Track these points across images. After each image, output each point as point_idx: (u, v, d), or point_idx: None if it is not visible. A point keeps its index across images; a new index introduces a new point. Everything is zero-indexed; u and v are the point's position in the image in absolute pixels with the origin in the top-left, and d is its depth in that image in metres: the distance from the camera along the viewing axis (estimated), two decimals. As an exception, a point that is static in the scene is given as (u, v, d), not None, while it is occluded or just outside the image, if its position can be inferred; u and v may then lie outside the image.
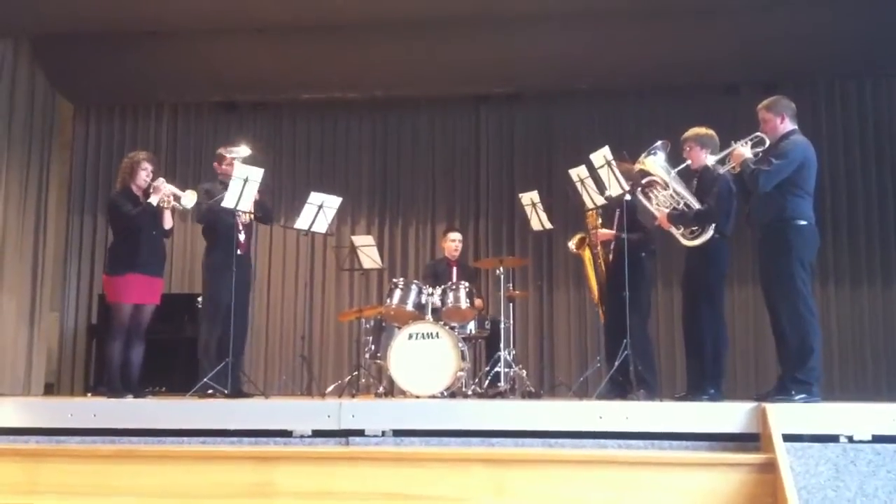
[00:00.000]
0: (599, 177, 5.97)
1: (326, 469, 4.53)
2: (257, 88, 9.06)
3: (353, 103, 9.42)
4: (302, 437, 4.82)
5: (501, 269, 7.03)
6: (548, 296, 9.07)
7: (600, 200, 6.10)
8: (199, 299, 6.94)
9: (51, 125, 9.10)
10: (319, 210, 6.56)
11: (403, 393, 6.34)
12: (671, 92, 8.90)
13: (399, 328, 6.50)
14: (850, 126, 8.88)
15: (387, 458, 4.57)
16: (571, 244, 6.57)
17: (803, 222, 5.17)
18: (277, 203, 9.28)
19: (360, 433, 4.79)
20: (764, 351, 8.10)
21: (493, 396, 6.63)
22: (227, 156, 6.33)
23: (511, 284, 7.27)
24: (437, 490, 4.41)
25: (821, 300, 8.00)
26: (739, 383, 8.10)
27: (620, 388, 5.89)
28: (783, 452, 4.24)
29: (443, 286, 6.76)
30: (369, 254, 7.37)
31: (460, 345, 6.33)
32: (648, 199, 5.86)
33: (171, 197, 6.04)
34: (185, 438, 4.89)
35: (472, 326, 6.99)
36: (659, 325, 8.58)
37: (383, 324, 6.97)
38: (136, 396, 5.83)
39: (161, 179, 6.09)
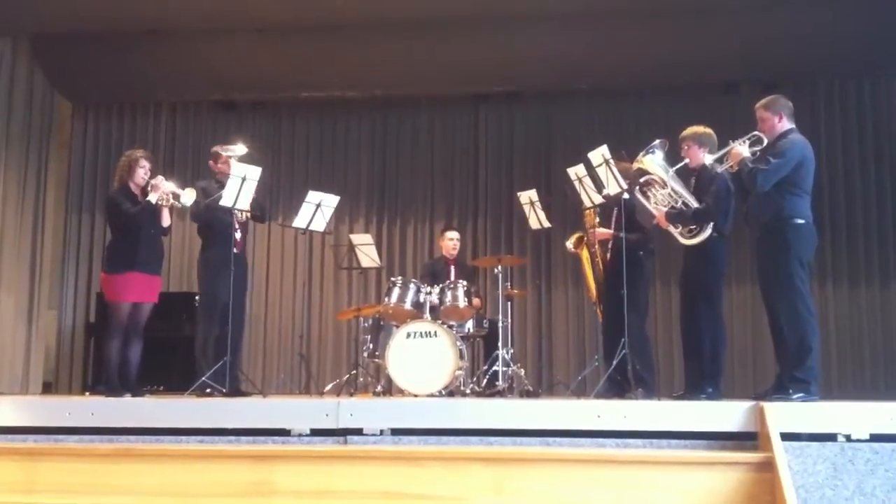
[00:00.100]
0: (597, 175, 5.97)
1: (325, 468, 4.53)
2: (256, 87, 9.05)
3: (352, 102, 9.41)
4: (300, 435, 4.82)
5: (500, 267, 7.03)
6: (546, 295, 9.07)
7: (598, 199, 6.09)
8: (197, 298, 6.94)
9: (49, 124, 9.09)
10: (318, 209, 6.55)
11: (402, 392, 6.35)
12: (671, 91, 8.89)
13: (397, 327, 6.51)
14: (848, 125, 8.87)
15: (385, 456, 4.57)
16: (569, 243, 6.57)
17: (801, 221, 5.18)
18: (276, 202, 9.29)
19: (359, 432, 4.79)
20: (762, 350, 8.10)
21: (492, 395, 6.63)
22: (224, 154, 6.32)
23: (509, 283, 7.27)
24: (436, 489, 4.41)
25: (819, 299, 8.00)
26: (737, 382, 8.09)
27: (619, 387, 5.89)
28: (781, 451, 4.25)
29: (441, 285, 6.77)
30: (368, 252, 7.36)
31: (458, 343, 6.34)
32: (647, 197, 5.85)
33: (170, 195, 6.03)
34: (184, 437, 4.89)
35: (470, 325, 7.00)
36: (657, 324, 8.57)
37: (381, 322, 6.97)
38: (134, 395, 5.82)
39: (160, 177, 6.08)
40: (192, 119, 9.72)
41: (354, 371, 6.97)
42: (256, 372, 8.89)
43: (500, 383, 6.71)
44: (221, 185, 6.28)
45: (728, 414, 4.64)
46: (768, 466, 4.23)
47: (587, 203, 6.18)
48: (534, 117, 9.40)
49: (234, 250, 6.15)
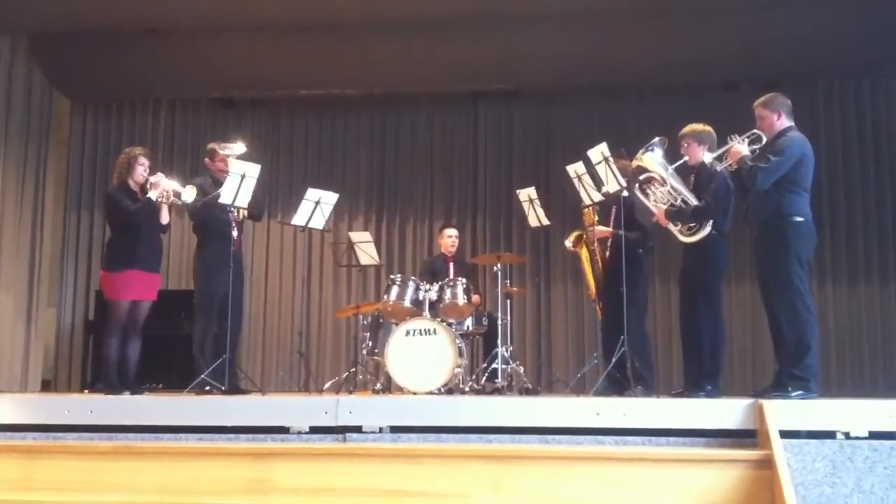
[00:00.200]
0: (597, 173, 5.97)
1: (324, 465, 4.53)
2: (256, 85, 9.04)
3: (351, 100, 9.41)
4: (299, 433, 4.82)
5: (499, 265, 7.03)
6: (545, 292, 9.07)
7: (597, 197, 6.10)
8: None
9: (48, 122, 9.09)
10: (317, 206, 6.56)
11: (401, 389, 6.35)
12: (670, 90, 8.89)
13: (396, 324, 6.51)
14: (848, 124, 8.87)
15: (384, 454, 4.57)
16: (568, 242, 6.58)
17: (800, 219, 5.18)
18: (275, 199, 9.29)
19: (358, 430, 4.79)
20: (761, 347, 8.10)
21: (491, 393, 6.63)
22: (221, 152, 6.30)
23: (508, 281, 7.27)
24: (435, 487, 4.41)
25: (818, 297, 8.01)
26: (736, 380, 8.10)
27: (618, 385, 5.90)
28: (780, 449, 4.25)
29: (440, 282, 6.77)
30: (367, 250, 7.37)
31: (458, 341, 6.34)
32: (646, 195, 5.85)
33: (170, 192, 6.02)
34: (182, 435, 4.90)
35: (469, 323, 7.00)
36: (656, 322, 8.58)
37: (381, 320, 6.97)
38: (133, 393, 5.82)
39: (160, 174, 6.07)
40: (192, 117, 9.72)
41: (354, 369, 6.98)
42: (255, 369, 8.89)
43: (500, 381, 6.71)
44: (217, 183, 6.28)
45: (727, 412, 4.64)
46: (767, 464, 4.23)
47: (586, 201, 6.19)
48: (533, 115, 9.40)
49: (232, 248, 6.14)
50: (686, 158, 5.76)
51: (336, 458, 4.57)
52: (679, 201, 5.69)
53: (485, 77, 8.82)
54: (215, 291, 6.19)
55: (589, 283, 6.51)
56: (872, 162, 8.77)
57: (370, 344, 6.95)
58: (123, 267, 5.94)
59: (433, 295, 6.65)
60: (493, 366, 6.76)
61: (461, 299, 6.65)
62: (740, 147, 5.30)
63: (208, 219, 6.26)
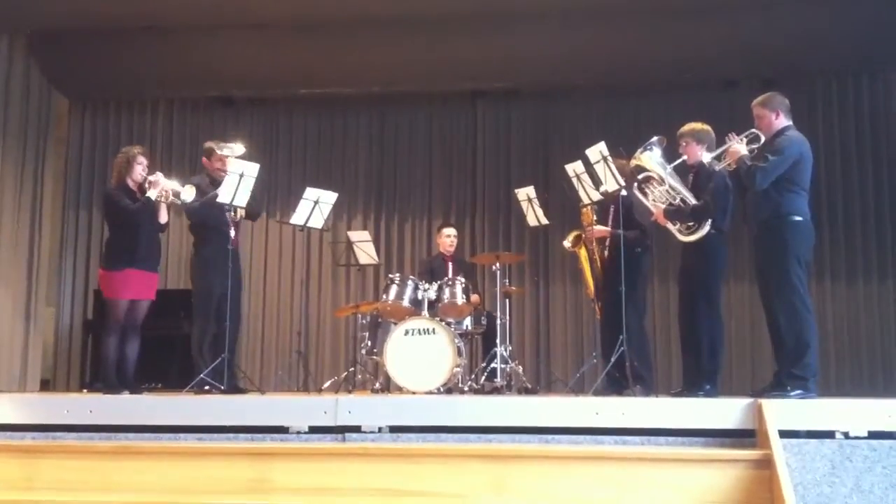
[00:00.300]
0: (595, 172, 5.97)
1: (323, 465, 4.53)
2: (254, 84, 9.03)
3: (350, 99, 9.39)
4: (298, 433, 4.82)
5: (498, 264, 7.02)
6: (544, 291, 9.06)
7: (596, 196, 6.10)
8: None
9: (46, 120, 9.07)
10: (315, 206, 6.56)
11: (400, 389, 6.35)
12: (669, 88, 8.89)
13: (395, 324, 6.51)
14: (847, 123, 8.86)
15: (383, 454, 4.57)
16: (567, 242, 6.58)
17: (799, 218, 5.18)
18: (273, 198, 9.29)
19: (357, 429, 4.79)
20: (760, 347, 8.11)
21: (490, 392, 6.63)
22: (219, 152, 6.29)
23: (507, 280, 7.27)
24: (434, 486, 4.41)
25: (817, 296, 8.01)
26: (735, 379, 8.11)
27: (617, 385, 5.90)
28: (779, 448, 4.25)
29: (439, 282, 6.77)
30: (366, 249, 7.37)
31: (456, 341, 6.34)
32: (645, 194, 5.85)
33: (169, 192, 6.02)
34: (182, 435, 4.90)
35: (468, 322, 7.01)
36: (655, 321, 8.57)
37: (379, 320, 6.97)
38: (132, 393, 5.82)
39: (159, 174, 6.07)
40: (190, 115, 9.70)
41: (353, 368, 6.98)
42: (255, 369, 8.89)
43: (499, 380, 6.70)
44: (214, 182, 6.28)
45: (726, 411, 4.64)
46: (766, 464, 4.23)
47: (585, 200, 6.19)
48: (532, 114, 9.39)
49: (230, 247, 6.14)
50: (685, 158, 5.76)
51: (335, 458, 4.57)
52: (678, 200, 5.69)
53: (484, 76, 8.81)
54: (213, 291, 6.20)
55: (588, 282, 6.51)
56: (871, 160, 8.76)
57: (369, 343, 6.95)
58: (122, 266, 5.94)
59: (432, 294, 6.65)
60: (493, 365, 6.76)
61: (460, 299, 6.65)
62: (739, 146, 5.31)
63: (206, 218, 6.25)
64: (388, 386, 6.84)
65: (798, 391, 4.96)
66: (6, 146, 8.41)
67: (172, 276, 9.06)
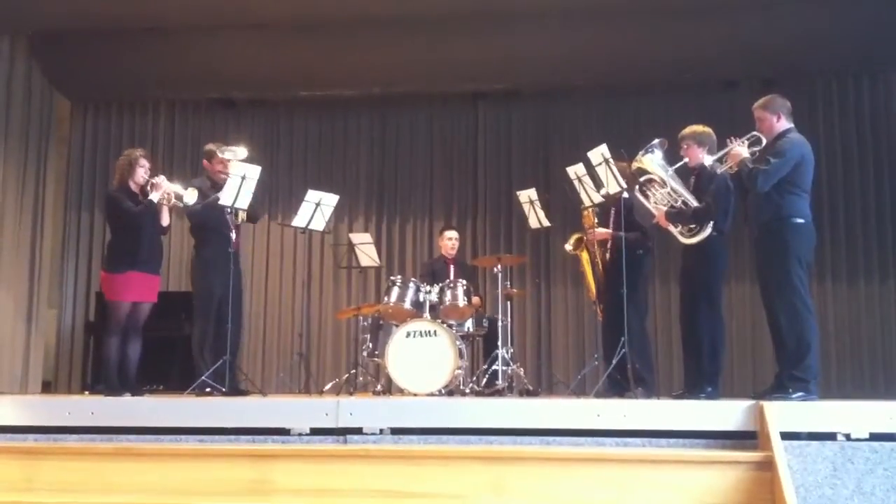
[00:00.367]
0: (597, 175, 5.97)
1: (324, 467, 4.54)
2: (255, 85, 9.03)
3: (351, 100, 9.39)
4: (300, 435, 4.83)
5: (499, 266, 7.02)
6: (546, 294, 9.06)
7: (598, 198, 6.10)
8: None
9: (48, 122, 9.07)
10: (317, 208, 6.56)
11: (401, 391, 6.35)
12: (670, 89, 8.89)
13: (397, 326, 6.51)
14: (847, 124, 8.86)
15: (385, 456, 4.58)
16: (569, 245, 6.58)
17: (800, 220, 5.18)
18: (275, 201, 9.29)
19: (358, 431, 4.80)
20: (761, 349, 8.10)
21: (491, 394, 6.63)
22: (221, 155, 6.28)
23: (509, 282, 7.27)
24: (435, 488, 4.41)
25: (818, 298, 8.00)
26: (737, 381, 8.10)
27: (618, 386, 5.89)
28: (781, 450, 4.26)
29: (441, 284, 6.77)
30: (367, 252, 7.37)
31: (458, 343, 6.34)
32: (646, 197, 5.85)
33: (171, 194, 6.03)
34: (183, 436, 4.90)
35: (469, 324, 7.00)
36: (657, 323, 8.57)
37: (381, 322, 6.97)
38: (133, 394, 5.82)
39: (161, 176, 6.07)
40: (191, 117, 9.71)
41: (354, 370, 6.98)
42: (256, 371, 8.88)
43: (500, 382, 6.71)
44: (215, 185, 6.29)
45: (727, 413, 4.64)
46: (768, 465, 4.24)
47: (587, 202, 6.19)
48: (533, 115, 9.39)
49: (230, 249, 6.15)
50: (686, 160, 5.76)
51: (336, 460, 4.57)
52: (679, 203, 5.69)
53: (484, 77, 8.81)
54: (214, 293, 6.20)
55: (589, 285, 6.51)
56: (872, 161, 8.75)
57: (370, 345, 6.95)
58: (124, 268, 5.95)
59: (433, 296, 6.65)
60: (494, 367, 6.76)
61: (461, 301, 6.65)
62: (740, 149, 5.31)
63: (207, 220, 6.25)
64: (390, 388, 6.84)
65: (799, 393, 4.96)
66: (8, 147, 8.42)
67: (174, 279, 9.06)
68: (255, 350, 9.13)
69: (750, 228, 5.45)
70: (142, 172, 6.08)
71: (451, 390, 6.33)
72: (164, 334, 7.64)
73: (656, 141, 5.73)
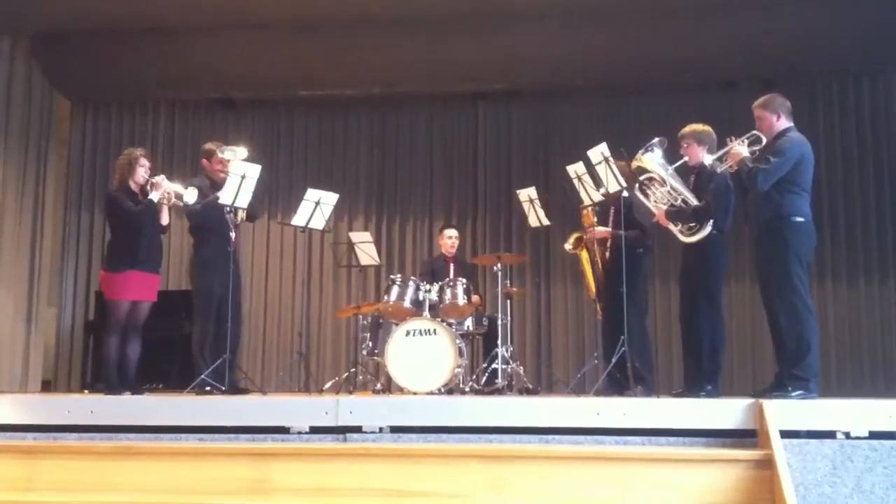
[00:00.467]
0: (597, 173, 5.97)
1: (324, 465, 4.54)
2: (255, 85, 9.03)
3: (351, 100, 9.40)
4: (299, 433, 4.83)
5: (499, 265, 7.02)
6: (545, 292, 9.06)
7: (597, 197, 6.11)
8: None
9: (48, 121, 9.08)
10: (317, 206, 6.56)
11: (401, 389, 6.35)
12: (670, 89, 8.90)
13: (396, 325, 6.51)
14: (847, 123, 8.86)
15: (384, 454, 4.57)
16: (568, 245, 6.58)
17: (800, 219, 5.18)
18: (275, 199, 9.30)
19: (358, 430, 4.79)
20: (761, 347, 8.10)
21: (491, 393, 6.63)
22: (221, 155, 6.28)
23: (509, 281, 7.27)
24: (435, 486, 4.41)
25: (818, 297, 7.99)
26: (736, 380, 8.10)
27: (618, 385, 5.90)
28: (780, 449, 4.25)
29: (440, 283, 6.77)
30: (367, 250, 7.37)
31: (458, 341, 6.34)
32: (646, 195, 5.85)
33: (171, 194, 6.03)
34: (183, 435, 4.90)
35: (469, 323, 7.00)
36: (656, 321, 8.57)
37: (381, 320, 6.97)
38: (133, 393, 5.82)
39: (161, 176, 6.07)
40: (191, 117, 9.71)
41: (354, 369, 6.98)
42: (256, 370, 8.89)
43: (500, 381, 6.70)
44: (214, 184, 6.29)
45: (727, 411, 4.64)
46: (767, 464, 4.23)
47: (587, 201, 6.19)
48: (532, 115, 9.40)
49: (230, 249, 6.15)
50: (686, 159, 5.76)
51: (336, 459, 4.57)
52: (679, 201, 5.70)
53: (484, 77, 8.82)
54: (213, 292, 6.20)
55: (589, 284, 6.51)
56: (872, 161, 8.76)
57: (370, 344, 6.95)
58: (124, 268, 5.95)
59: (433, 295, 6.65)
60: (494, 366, 6.76)
61: (461, 299, 6.65)
62: (740, 148, 5.31)
63: (206, 220, 6.25)
64: (390, 386, 6.84)
65: (799, 392, 4.96)
66: (8, 147, 8.43)
67: (174, 278, 9.07)
68: (254, 349, 9.13)
69: (750, 227, 5.45)
70: (142, 172, 6.09)
71: (450, 389, 6.33)
72: (164, 333, 7.64)
73: (656, 140, 5.73)
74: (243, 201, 6.02)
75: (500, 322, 6.83)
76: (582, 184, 6.15)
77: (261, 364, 9.11)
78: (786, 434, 4.35)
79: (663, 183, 5.73)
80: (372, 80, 8.86)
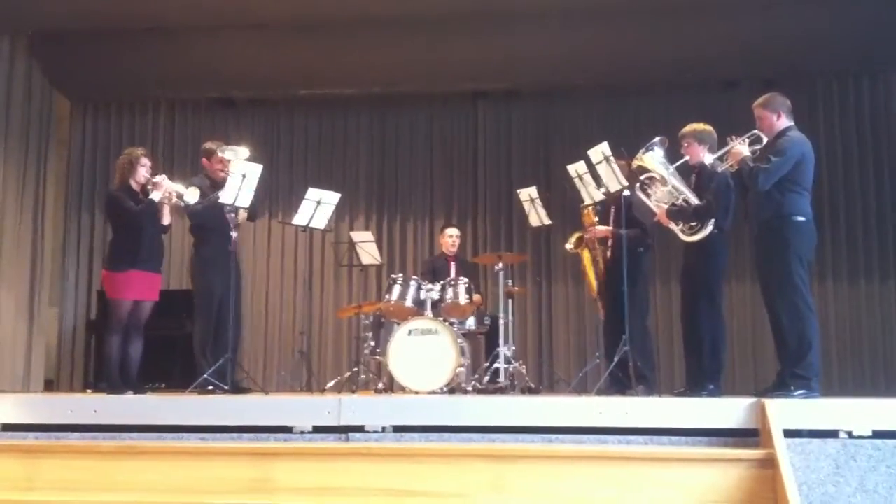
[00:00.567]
0: (598, 173, 5.97)
1: (326, 465, 4.53)
2: (256, 85, 9.04)
3: (351, 99, 9.40)
4: (302, 433, 4.82)
5: (500, 264, 7.03)
6: (546, 291, 9.07)
7: (598, 196, 6.10)
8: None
9: (48, 121, 9.09)
10: (318, 206, 6.56)
11: (403, 389, 6.35)
12: (670, 88, 8.90)
13: (398, 324, 6.51)
14: (847, 123, 8.87)
15: (387, 454, 4.57)
16: (569, 245, 6.58)
17: (801, 219, 5.18)
18: (276, 199, 9.30)
19: (360, 429, 4.79)
20: (763, 346, 8.10)
21: (493, 392, 6.63)
22: (221, 154, 6.27)
23: (510, 280, 7.27)
24: (437, 486, 4.41)
25: (818, 296, 7.99)
26: (738, 379, 8.11)
27: (620, 384, 5.90)
28: (783, 448, 4.25)
29: (442, 282, 6.77)
30: (368, 250, 7.37)
31: (459, 341, 6.35)
32: (647, 195, 5.85)
33: (172, 193, 6.03)
34: (185, 434, 4.89)
35: (471, 322, 7.00)
36: (658, 320, 8.57)
37: (382, 320, 6.97)
38: (135, 393, 5.83)
39: (162, 175, 6.07)
40: (191, 116, 9.71)
41: (356, 368, 6.99)
42: (258, 369, 8.90)
43: (502, 380, 6.71)
44: (214, 183, 6.28)
45: (729, 411, 4.64)
46: (770, 463, 4.23)
47: (587, 200, 6.19)
48: (532, 114, 9.40)
49: (230, 248, 6.14)
50: (687, 158, 5.76)
51: (339, 458, 4.57)
52: (680, 200, 5.69)
53: (484, 76, 8.82)
54: (214, 291, 6.20)
55: (591, 283, 6.51)
56: (872, 161, 8.77)
57: (372, 344, 6.95)
58: (125, 267, 5.95)
59: (435, 294, 6.65)
60: (495, 365, 6.76)
61: (463, 299, 6.65)
62: (741, 148, 5.30)
63: (207, 219, 6.25)
64: (392, 386, 6.84)
65: (801, 391, 4.95)
66: (8, 147, 8.44)
67: (175, 277, 9.07)
68: (256, 348, 9.14)
69: (750, 226, 5.45)
70: (143, 171, 6.09)
71: (452, 388, 6.33)
72: (166, 333, 7.64)
73: (657, 139, 5.72)
74: (244, 201, 6.01)
75: (501, 321, 6.84)
76: (583, 183, 6.15)
77: (263, 363, 9.11)
78: (788, 433, 4.34)
79: (664, 182, 5.73)
80: (372, 79, 8.87)
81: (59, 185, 9.37)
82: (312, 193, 6.58)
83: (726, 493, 4.24)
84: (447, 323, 6.45)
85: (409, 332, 6.34)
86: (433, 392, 6.16)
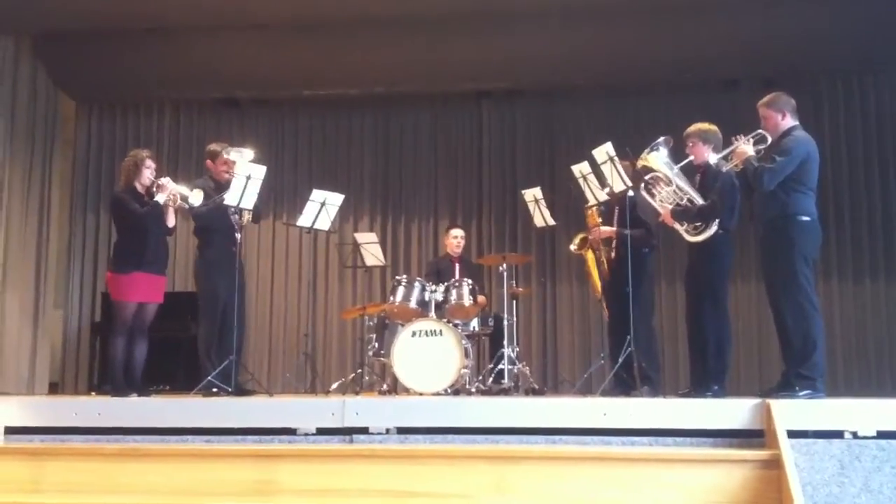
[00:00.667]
0: (602, 173, 5.96)
1: (330, 467, 4.54)
2: (259, 85, 9.05)
3: (354, 100, 9.40)
4: (306, 435, 4.83)
5: (504, 265, 7.03)
6: (551, 292, 9.06)
7: (602, 196, 6.09)
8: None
9: (53, 122, 9.11)
10: (322, 207, 6.56)
11: (407, 390, 6.34)
12: (672, 88, 8.89)
13: (402, 325, 6.50)
14: (851, 121, 8.85)
15: (391, 455, 4.57)
16: (573, 245, 6.57)
17: (806, 218, 5.17)
18: (280, 200, 9.30)
19: (364, 431, 4.80)
20: (767, 347, 8.09)
21: (497, 393, 6.62)
22: (227, 156, 6.27)
23: (514, 281, 7.27)
24: (441, 487, 4.41)
25: (824, 296, 7.98)
26: (743, 379, 8.10)
27: (624, 385, 5.88)
28: (788, 448, 4.24)
29: (446, 283, 6.76)
30: (372, 251, 7.37)
31: (464, 342, 6.34)
32: (652, 195, 5.84)
33: (177, 195, 6.03)
34: (189, 437, 4.91)
35: (475, 323, 6.99)
36: (662, 321, 8.55)
37: (387, 321, 6.96)
38: (140, 395, 5.83)
39: (167, 178, 6.08)
40: (196, 117, 9.72)
41: (360, 370, 6.98)
42: (262, 371, 8.90)
43: (506, 381, 6.70)
44: (218, 185, 6.28)
45: (734, 411, 4.63)
46: (775, 464, 4.22)
47: (592, 200, 6.18)
48: (535, 114, 9.39)
49: (235, 250, 6.15)
50: (691, 158, 5.75)
51: (343, 460, 4.57)
52: (685, 201, 5.68)
53: (485, 76, 8.81)
54: (219, 293, 6.20)
55: (595, 284, 6.50)
56: (877, 160, 8.74)
57: (376, 345, 6.95)
58: (130, 269, 5.95)
59: (439, 296, 6.64)
60: (500, 366, 6.76)
61: (467, 300, 6.64)
62: (746, 147, 5.29)
63: (211, 221, 6.25)
64: (396, 387, 6.83)
65: (806, 391, 4.94)
66: (13, 148, 8.45)
67: (180, 279, 9.07)
68: (260, 350, 9.14)
69: (755, 226, 5.44)
70: (148, 173, 6.09)
71: (456, 389, 6.32)
72: (170, 335, 7.66)
73: (661, 139, 5.72)
74: (248, 202, 6.01)
75: (505, 322, 6.83)
76: (587, 183, 6.14)
77: (267, 365, 9.12)
78: (793, 434, 4.34)
79: (669, 182, 5.72)
80: (374, 79, 8.87)
81: (64, 186, 9.39)
82: (317, 195, 6.59)
83: (731, 494, 4.24)
84: (451, 324, 6.45)
85: (413, 334, 6.33)
86: (437, 393, 6.15)
